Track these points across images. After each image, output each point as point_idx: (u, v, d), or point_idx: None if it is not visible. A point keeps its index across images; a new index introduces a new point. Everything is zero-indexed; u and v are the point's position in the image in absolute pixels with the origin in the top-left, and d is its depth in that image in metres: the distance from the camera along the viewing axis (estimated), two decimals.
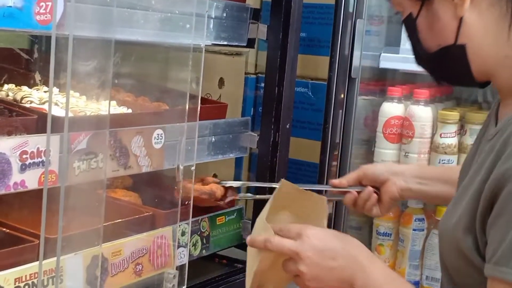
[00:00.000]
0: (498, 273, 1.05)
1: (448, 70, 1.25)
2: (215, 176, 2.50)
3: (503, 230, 1.05)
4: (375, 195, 1.67)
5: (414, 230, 2.39)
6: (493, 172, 1.09)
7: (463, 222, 1.15)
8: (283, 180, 1.45)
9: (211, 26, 1.85)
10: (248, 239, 1.38)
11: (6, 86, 1.77)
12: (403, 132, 2.36)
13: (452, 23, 1.18)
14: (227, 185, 1.78)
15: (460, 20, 1.17)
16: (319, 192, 1.62)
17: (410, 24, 1.24)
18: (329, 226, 2.35)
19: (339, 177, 2.36)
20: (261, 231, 1.38)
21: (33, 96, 1.66)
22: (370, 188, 1.67)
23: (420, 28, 1.22)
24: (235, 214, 2.10)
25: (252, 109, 2.65)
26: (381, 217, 2.32)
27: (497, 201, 1.07)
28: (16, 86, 1.78)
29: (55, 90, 1.66)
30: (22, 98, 1.65)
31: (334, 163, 2.34)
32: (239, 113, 2.55)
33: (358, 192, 1.69)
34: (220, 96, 2.48)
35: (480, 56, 1.19)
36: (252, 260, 1.40)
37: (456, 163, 2.29)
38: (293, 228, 1.33)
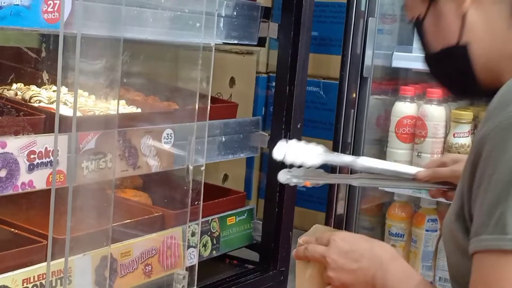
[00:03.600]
0: (478, 242, 0.99)
1: (452, 72, 1.24)
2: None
3: (483, 199, 0.99)
4: None
5: (427, 230, 2.37)
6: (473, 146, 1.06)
7: (455, 207, 1.12)
8: (316, 225, 1.40)
9: (221, 24, 1.83)
10: (294, 251, 1.37)
11: (14, 86, 1.76)
12: (416, 131, 2.34)
13: (456, 21, 1.17)
14: None
15: (463, 18, 1.16)
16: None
17: (418, 26, 1.24)
18: (340, 227, 2.36)
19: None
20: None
21: (42, 96, 1.65)
22: None
23: (427, 30, 1.22)
24: (245, 215, 2.09)
25: (263, 108, 2.64)
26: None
27: (477, 171, 1.02)
28: (24, 86, 1.77)
29: (64, 89, 1.66)
30: (31, 98, 1.64)
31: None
32: (250, 112, 2.54)
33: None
34: (231, 96, 2.47)
35: (484, 55, 1.17)
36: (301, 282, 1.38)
37: None
38: (325, 235, 1.33)
